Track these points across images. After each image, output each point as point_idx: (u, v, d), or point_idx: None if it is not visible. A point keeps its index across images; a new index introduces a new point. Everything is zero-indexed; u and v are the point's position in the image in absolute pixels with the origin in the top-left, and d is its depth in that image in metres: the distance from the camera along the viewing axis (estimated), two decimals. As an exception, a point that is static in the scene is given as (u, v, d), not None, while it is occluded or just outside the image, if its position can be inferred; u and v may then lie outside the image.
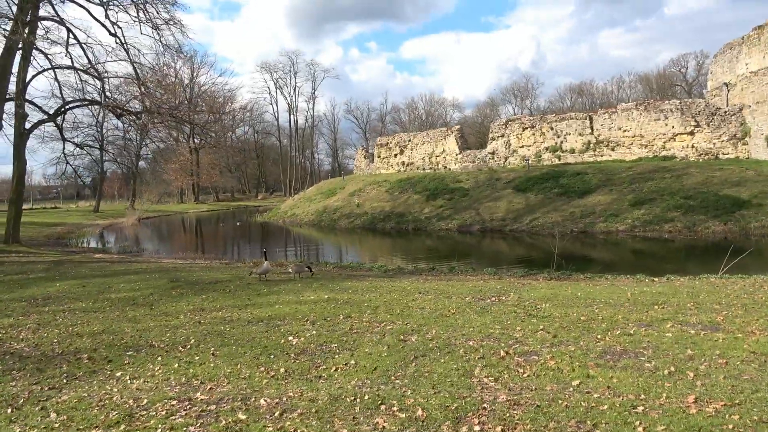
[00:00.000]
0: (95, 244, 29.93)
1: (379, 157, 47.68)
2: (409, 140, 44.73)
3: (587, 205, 26.69)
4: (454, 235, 28.46)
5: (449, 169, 40.41)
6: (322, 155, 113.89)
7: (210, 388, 4.92)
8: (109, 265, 16.21)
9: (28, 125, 22.47)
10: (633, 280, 11.64)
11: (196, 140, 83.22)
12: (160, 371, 5.47)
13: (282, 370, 5.27)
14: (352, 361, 5.38)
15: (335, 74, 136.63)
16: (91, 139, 52.98)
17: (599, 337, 5.84)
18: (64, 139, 26.84)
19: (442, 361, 5.22)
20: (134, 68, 23.82)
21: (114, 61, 24.90)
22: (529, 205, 28.65)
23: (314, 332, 6.69)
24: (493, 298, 8.62)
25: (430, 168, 42.12)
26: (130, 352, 6.23)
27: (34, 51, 23.32)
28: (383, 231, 32.10)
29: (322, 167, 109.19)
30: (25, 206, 69.40)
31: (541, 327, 6.35)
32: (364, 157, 51.16)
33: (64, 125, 26.04)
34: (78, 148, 28.99)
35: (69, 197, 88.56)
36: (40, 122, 22.80)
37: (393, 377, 4.88)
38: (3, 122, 21.87)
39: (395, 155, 45.91)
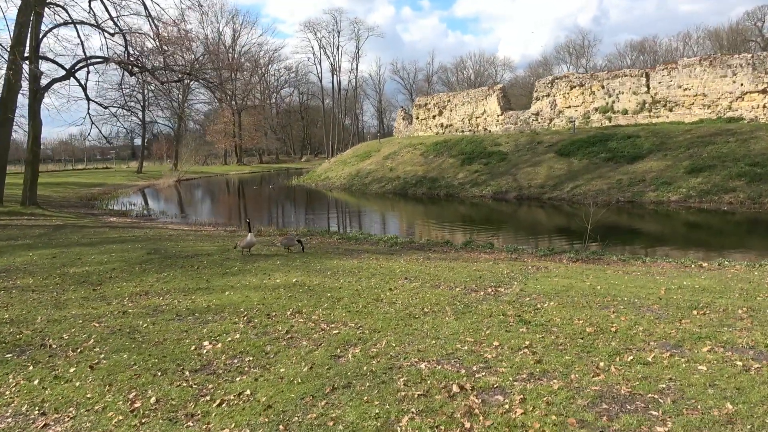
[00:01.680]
0: (121, 206, 29.71)
1: (417, 118, 45.55)
2: (449, 101, 42.31)
3: (637, 171, 24.10)
4: (489, 202, 26.55)
5: (490, 131, 37.97)
6: (368, 117, 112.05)
7: (43, 426, 3.63)
8: (107, 231, 15.42)
9: (45, 82, 21.86)
10: (675, 265, 9.69)
11: (237, 101, 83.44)
12: (10, 392, 4.23)
13: (153, 400, 3.92)
14: (248, 391, 3.97)
15: (380, 32, 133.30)
16: (134, 100, 53.19)
17: (602, 365, 4.18)
18: (88, 99, 26.28)
19: (365, 398, 3.73)
20: (150, 21, 22.71)
21: (134, 15, 23.74)
22: (572, 171, 26.24)
23: (239, 335, 5.31)
24: (490, 290, 7.00)
25: (470, 130, 39.77)
26: (9, 355, 5.05)
27: (54, 7, 22.59)
28: (414, 197, 30.47)
29: (369, 129, 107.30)
30: (78, 166, 71.06)
31: (527, 343, 4.73)
32: (403, 119, 49.10)
33: (89, 84, 25.42)
34: (105, 108, 28.35)
35: (125, 158, 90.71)
36: (56, 80, 22.11)
37: (283, 426, 3.43)
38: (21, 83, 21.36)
39: (434, 116, 43.67)
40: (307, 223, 20.98)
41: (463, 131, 40.27)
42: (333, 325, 5.52)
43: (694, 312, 5.63)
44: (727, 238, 16.74)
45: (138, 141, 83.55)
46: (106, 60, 22.07)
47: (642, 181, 23.24)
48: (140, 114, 53.12)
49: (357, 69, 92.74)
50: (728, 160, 22.45)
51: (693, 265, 9.57)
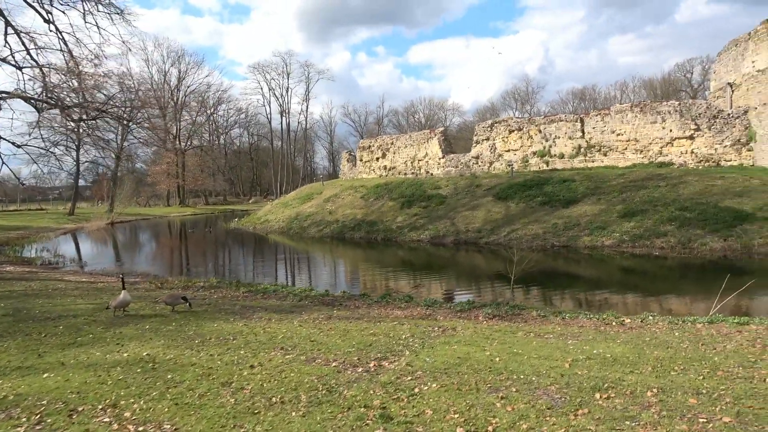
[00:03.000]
0: (34, 252, 27.31)
1: (361, 160, 45.00)
2: (392, 143, 42.01)
3: (572, 216, 23.87)
4: (426, 246, 25.72)
5: (431, 174, 37.65)
6: (321, 159, 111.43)
7: None
8: (-17, 285, 13.55)
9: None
10: (596, 322, 8.87)
11: (181, 142, 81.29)
12: None
13: None
14: None
15: (330, 76, 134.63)
16: (70, 139, 50.74)
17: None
18: (-2, 137, 24.24)
19: None
20: (66, 57, 21.26)
21: (53, 50, 22.21)
22: (509, 215, 25.85)
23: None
24: (372, 365, 5.88)
25: (413, 173, 39.38)
26: None
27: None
28: (352, 240, 29.40)
29: (321, 171, 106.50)
30: (10, 207, 66.58)
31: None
32: (348, 161, 48.48)
33: (5, 122, 23.44)
34: (18, 147, 26.24)
35: (67, 199, 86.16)
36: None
37: None
38: None
39: (377, 159, 43.20)
40: (223, 273, 19.47)
41: (405, 174, 39.85)
42: (141, 429, 4.24)
43: (597, 396, 4.67)
44: (657, 285, 16.32)
45: (83, 182, 79.97)
46: (7, 95, 20.33)
47: (577, 226, 22.97)
48: (75, 154, 50.69)
49: (307, 111, 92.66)
50: (659, 204, 22.50)
51: (614, 322, 8.77)
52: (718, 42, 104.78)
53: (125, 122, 22.91)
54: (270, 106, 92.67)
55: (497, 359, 5.97)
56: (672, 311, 12.18)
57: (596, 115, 31.14)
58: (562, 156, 31.74)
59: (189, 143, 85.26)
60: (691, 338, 7.12)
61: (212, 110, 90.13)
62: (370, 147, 44.04)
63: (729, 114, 27.01)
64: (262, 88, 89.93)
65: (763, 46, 25.23)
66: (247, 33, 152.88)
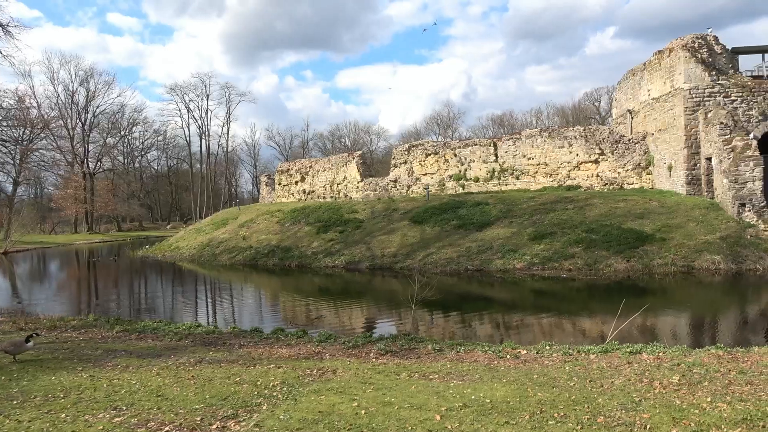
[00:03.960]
0: None
1: (280, 184, 43.74)
2: (311, 167, 41.15)
3: (485, 239, 23.88)
4: (341, 273, 24.87)
5: (350, 198, 37.05)
6: (245, 182, 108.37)
7: None
8: None
9: None
10: (490, 356, 8.33)
11: (90, 165, 76.43)
12: None
13: None
14: None
15: (252, 98, 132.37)
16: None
17: None
18: None
19: None
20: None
21: None
22: (425, 239, 25.55)
23: None
24: (213, 427, 4.93)
25: (332, 196, 38.62)
26: None
27: None
28: (265, 268, 28.06)
29: (246, 195, 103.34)
30: None
31: None
32: (266, 185, 47.05)
33: None
34: None
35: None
36: None
37: None
38: None
39: (296, 182, 42.13)
40: (107, 308, 17.65)
41: (325, 197, 39.02)
42: None
43: (461, 458, 3.97)
44: (566, 306, 16.33)
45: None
46: None
47: (490, 249, 22.95)
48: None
49: (228, 133, 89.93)
50: (567, 227, 22.94)
51: (509, 355, 8.27)
52: (621, 73, 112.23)
53: (13, 143, 20.73)
54: (189, 129, 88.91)
55: (363, 412, 5.19)
56: (573, 337, 11.99)
57: (508, 140, 31.82)
58: (477, 179, 32.09)
59: (99, 166, 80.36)
60: (581, 373, 6.68)
61: (126, 132, 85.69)
62: (288, 170, 42.93)
63: (629, 139, 28.31)
64: (180, 110, 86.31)
65: (656, 76, 26.71)
66: (170, 54, 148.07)
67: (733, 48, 26.41)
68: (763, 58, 27.31)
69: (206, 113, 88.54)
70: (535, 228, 23.45)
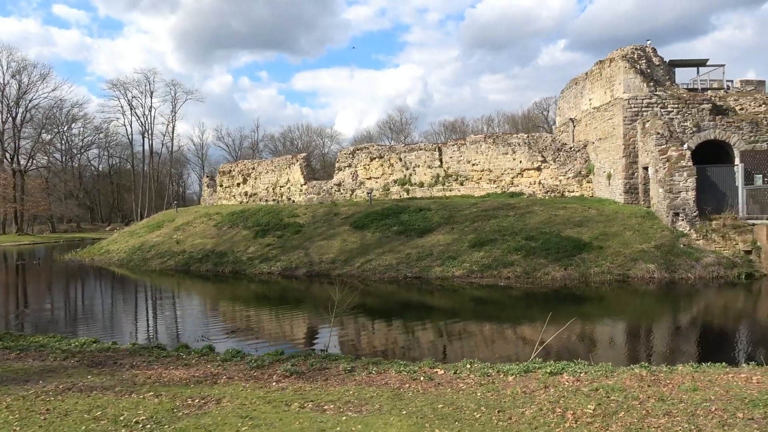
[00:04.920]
0: None
1: (221, 186, 42.12)
2: (253, 168, 39.78)
3: (425, 245, 23.32)
4: (277, 279, 23.80)
5: (293, 201, 35.93)
6: (194, 184, 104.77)
7: None
8: None
9: None
10: (402, 377, 7.60)
11: (22, 162, 72.07)
12: None
13: None
14: None
15: (200, 97, 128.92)
16: None
17: None
18: None
19: None
20: None
21: None
22: (365, 244, 24.79)
23: None
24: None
25: (274, 199, 37.38)
26: None
27: None
28: (198, 273, 26.63)
29: (195, 197, 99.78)
30: None
31: None
32: (208, 186, 45.27)
33: None
34: None
35: None
36: None
37: None
38: None
39: (238, 184, 40.64)
40: (6, 320, 16.02)
41: (267, 200, 37.73)
42: None
43: None
44: (500, 317, 15.91)
45: None
46: None
47: (430, 256, 22.41)
48: None
49: (173, 133, 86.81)
50: (507, 234, 22.66)
51: (423, 377, 7.56)
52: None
53: None
54: (131, 127, 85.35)
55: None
56: (501, 349, 11.46)
57: (453, 145, 31.53)
58: (421, 185, 31.64)
59: (32, 163, 75.93)
60: (492, 401, 6.02)
61: (64, 128, 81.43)
62: (230, 172, 41.41)
63: (571, 147, 28.46)
64: (122, 107, 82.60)
65: (597, 85, 26.95)
66: (119, 50, 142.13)
67: (670, 60, 26.96)
68: (698, 72, 28.04)
69: (150, 111, 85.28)
70: (476, 235, 23.08)
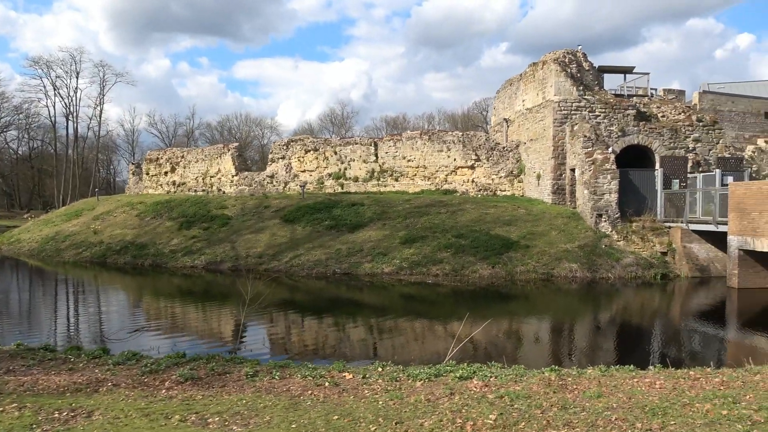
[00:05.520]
0: None
1: (147, 174, 40.05)
2: (182, 157, 38.04)
3: (356, 241, 22.93)
4: (200, 273, 22.73)
5: (224, 192, 34.62)
6: (124, 170, 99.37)
7: None
8: None
9: None
10: (306, 383, 7.13)
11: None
12: None
13: None
14: None
15: (131, 80, 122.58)
16: None
17: None
18: None
19: None
20: None
21: None
22: (294, 239, 24.10)
23: None
24: None
25: (204, 190, 35.88)
26: None
27: None
28: (115, 266, 25.10)
29: (124, 185, 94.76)
30: None
31: None
32: (134, 174, 42.94)
33: None
34: None
35: None
36: None
37: None
38: None
39: (166, 173, 38.76)
40: None
41: (196, 191, 36.17)
42: None
43: None
44: (425, 315, 15.71)
45: None
46: None
47: (360, 252, 22.02)
48: None
49: (100, 116, 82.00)
50: (438, 231, 22.60)
51: (328, 382, 7.11)
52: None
53: None
54: (54, 108, 79.88)
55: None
56: (418, 350, 11.20)
57: (389, 141, 31.28)
58: (356, 179, 31.20)
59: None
60: (392, 411, 5.66)
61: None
62: (158, 159, 39.43)
63: (504, 147, 28.81)
64: (45, 87, 77.14)
65: (530, 87, 27.37)
66: (47, 26, 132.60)
67: (599, 66, 27.76)
68: (625, 79, 29.05)
69: (75, 92, 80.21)
70: (408, 231, 22.90)
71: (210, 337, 12.63)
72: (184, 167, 37.53)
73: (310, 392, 6.69)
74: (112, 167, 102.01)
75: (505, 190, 28.31)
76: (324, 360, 10.14)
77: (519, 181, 28.13)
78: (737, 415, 4.98)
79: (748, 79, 61.65)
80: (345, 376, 7.55)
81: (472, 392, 6.34)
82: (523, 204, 25.02)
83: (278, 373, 7.62)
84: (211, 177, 35.61)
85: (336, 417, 5.43)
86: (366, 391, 6.66)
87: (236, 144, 36.57)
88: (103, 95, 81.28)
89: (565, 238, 21.24)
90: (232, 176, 34.38)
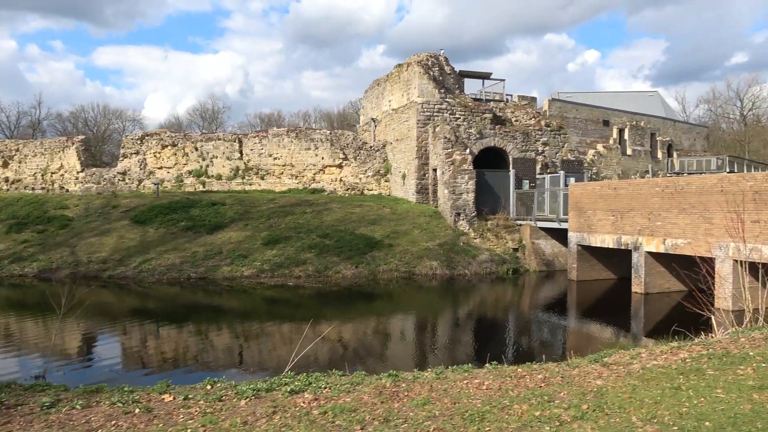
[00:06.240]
0: None
1: (-27, 169, 34.81)
2: (17, 150, 33.56)
3: (215, 243, 21.61)
4: (32, 282, 20.03)
5: (68, 190, 31.08)
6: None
7: None
8: None
9: None
10: (112, 412, 6.22)
11: None
12: None
13: None
14: None
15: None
16: None
17: None
18: None
19: None
20: None
21: None
22: (145, 242, 22.14)
23: None
24: None
25: (43, 188, 31.96)
26: None
27: None
28: None
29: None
30: None
31: None
32: (-44, 169, 37.12)
33: None
34: None
35: None
36: None
37: None
38: None
39: (-4, 168, 33.98)
40: None
41: (34, 189, 32.10)
42: None
43: None
44: (284, 319, 15.08)
45: None
46: None
47: (219, 254, 20.76)
48: None
49: None
50: (303, 231, 22.03)
51: (140, 408, 6.26)
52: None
53: None
54: None
55: None
56: (259, 361, 10.59)
57: (255, 137, 30.07)
58: (219, 177, 29.60)
59: None
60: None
61: None
62: (-14, 153, 34.42)
63: (371, 147, 28.94)
64: None
65: (396, 87, 27.75)
66: None
67: (460, 71, 28.91)
68: (483, 84, 30.56)
69: None
70: (271, 232, 22.05)
71: (31, 355, 10.94)
72: (20, 162, 33.16)
73: (113, 423, 5.81)
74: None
75: (372, 190, 28.44)
76: (196, 373, 9.31)
77: (386, 181, 28.42)
78: (548, 415, 5.02)
79: (593, 90, 68.55)
80: (164, 398, 6.73)
81: (298, 409, 5.89)
82: (389, 203, 25.27)
83: (81, 402, 6.58)
84: (52, 173, 31.79)
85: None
86: (181, 416, 5.93)
87: (82, 137, 32.96)
88: None
89: (427, 237, 21.73)
90: (78, 173, 30.97)
